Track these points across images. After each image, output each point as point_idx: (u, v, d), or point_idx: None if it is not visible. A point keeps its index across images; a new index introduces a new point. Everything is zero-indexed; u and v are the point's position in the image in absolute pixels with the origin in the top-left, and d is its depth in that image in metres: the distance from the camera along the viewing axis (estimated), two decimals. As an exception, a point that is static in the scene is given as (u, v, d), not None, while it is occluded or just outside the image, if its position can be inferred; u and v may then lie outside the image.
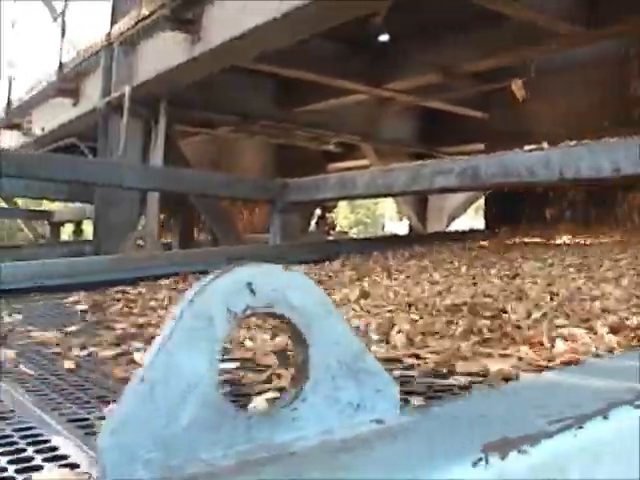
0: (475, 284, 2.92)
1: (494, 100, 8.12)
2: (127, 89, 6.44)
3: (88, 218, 10.20)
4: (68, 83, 8.48)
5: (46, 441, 1.08)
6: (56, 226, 10.80)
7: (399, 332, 1.82)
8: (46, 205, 14.46)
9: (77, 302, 3.50)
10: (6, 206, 11.26)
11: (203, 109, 7.78)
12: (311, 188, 6.09)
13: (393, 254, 4.88)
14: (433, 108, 8.85)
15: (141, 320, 2.50)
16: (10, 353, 1.99)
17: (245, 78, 7.79)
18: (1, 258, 6.73)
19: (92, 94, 7.72)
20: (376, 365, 0.84)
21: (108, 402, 1.30)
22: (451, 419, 0.80)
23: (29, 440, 1.09)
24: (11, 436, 1.11)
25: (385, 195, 7.20)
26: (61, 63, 8.68)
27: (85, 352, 1.96)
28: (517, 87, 7.43)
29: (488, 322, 1.88)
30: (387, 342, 1.75)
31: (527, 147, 3.96)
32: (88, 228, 11.63)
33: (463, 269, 3.59)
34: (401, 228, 21.35)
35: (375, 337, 1.83)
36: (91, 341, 2.13)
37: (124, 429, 0.67)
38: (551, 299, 2.29)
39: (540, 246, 5.09)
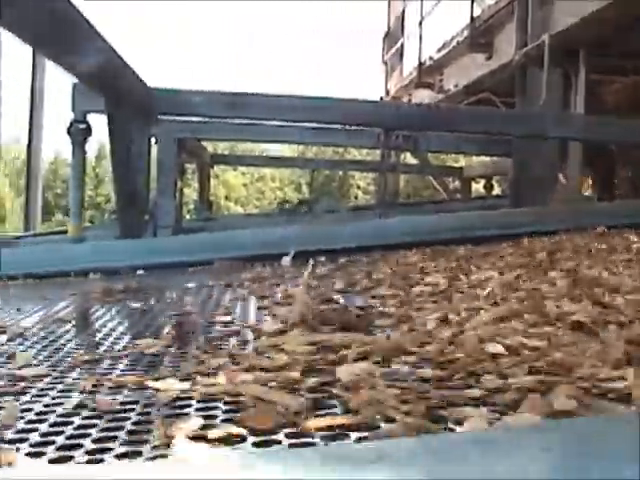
0: None
1: None
2: (546, 39, 6.53)
3: (499, 174, 10.50)
4: (480, 37, 8.78)
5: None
6: (466, 182, 11.27)
7: None
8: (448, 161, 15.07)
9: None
10: (417, 162, 11.91)
11: (619, 56, 7.56)
12: None
13: None
14: None
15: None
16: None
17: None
18: (413, 212, 7.29)
19: (506, 47, 7.93)
20: None
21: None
22: None
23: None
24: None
25: None
26: (472, 18, 8.98)
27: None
28: None
29: None
30: None
31: None
32: (498, 184, 11.96)
33: None
34: None
35: None
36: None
37: None
38: None
39: None
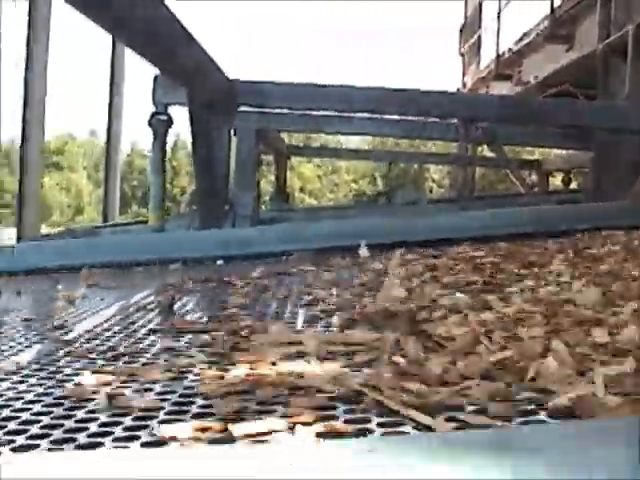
0: None
1: None
2: (630, 29, 6.40)
3: (577, 167, 10.33)
4: (561, 29, 8.65)
5: None
6: (545, 175, 11.11)
7: None
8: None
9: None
10: (493, 155, 11.76)
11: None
12: None
13: None
14: None
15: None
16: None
17: None
18: (491, 205, 7.23)
19: (588, 38, 7.79)
20: None
21: None
22: None
23: None
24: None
25: None
26: (553, 9, 8.85)
27: None
28: None
29: None
30: None
31: None
32: (576, 177, 11.75)
33: None
34: None
35: None
36: None
37: None
38: None
39: None
